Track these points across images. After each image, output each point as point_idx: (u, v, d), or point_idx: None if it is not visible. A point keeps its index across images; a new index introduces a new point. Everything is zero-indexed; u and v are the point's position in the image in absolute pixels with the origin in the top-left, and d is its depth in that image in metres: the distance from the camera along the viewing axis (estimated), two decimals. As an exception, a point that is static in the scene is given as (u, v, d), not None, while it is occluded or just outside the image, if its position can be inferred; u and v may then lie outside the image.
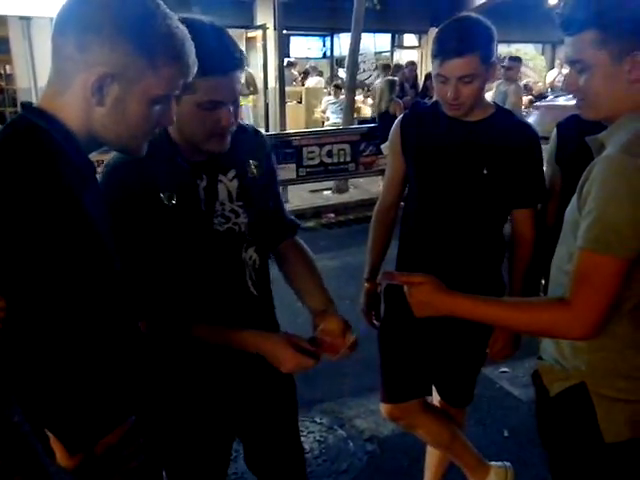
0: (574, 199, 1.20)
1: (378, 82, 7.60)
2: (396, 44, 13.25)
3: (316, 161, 6.70)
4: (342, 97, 8.30)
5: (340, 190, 7.33)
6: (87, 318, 0.93)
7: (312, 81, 11.25)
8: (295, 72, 12.10)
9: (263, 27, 10.06)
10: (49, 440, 0.95)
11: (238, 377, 1.44)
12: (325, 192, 7.34)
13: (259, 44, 10.60)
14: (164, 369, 1.34)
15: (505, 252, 1.91)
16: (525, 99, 8.41)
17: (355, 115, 8.45)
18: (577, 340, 1.21)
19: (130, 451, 1.02)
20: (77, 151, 0.94)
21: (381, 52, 13.10)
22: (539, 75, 13.28)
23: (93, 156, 1.01)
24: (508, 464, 2.08)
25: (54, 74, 0.95)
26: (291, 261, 1.54)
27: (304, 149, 6.61)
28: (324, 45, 12.73)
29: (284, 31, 10.11)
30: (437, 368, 1.97)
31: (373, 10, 9.77)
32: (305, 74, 11.70)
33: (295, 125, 9.77)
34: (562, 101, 7.54)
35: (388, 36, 12.93)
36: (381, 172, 6.54)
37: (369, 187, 7.20)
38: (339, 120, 8.15)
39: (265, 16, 10.45)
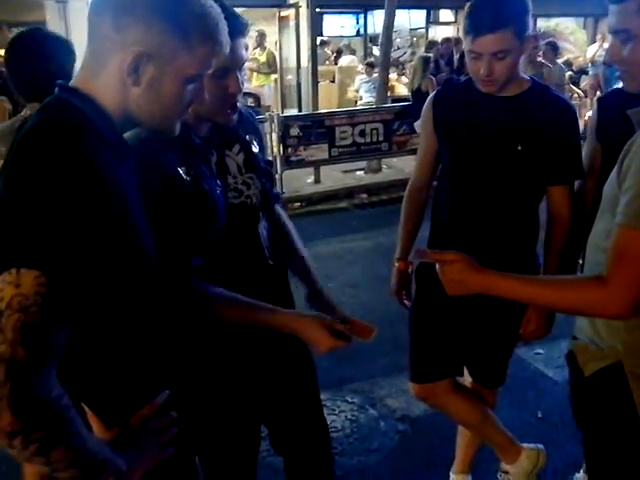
0: (613, 174, 1.17)
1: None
2: (431, 20, 12.96)
3: (349, 141, 6.66)
4: (375, 75, 8.20)
5: (373, 170, 7.27)
6: (122, 296, 0.95)
7: (345, 60, 11.13)
8: (328, 51, 11.98)
9: (296, 5, 9.98)
10: (86, 414, 0.98)
11: (260, 359, 1.47)
12: (358, 172, 7.29)
13: (292, 23, 10.52)
14: (194, 350, 1.37)
15: (539, 231, 1.87)
16: (566, 75, 8.24)
17: (389, 93, 8.34)
18: (614, 319, 1.18)
19: (164, 424, 1.05)
20: (112, 131, 0.95)
21: (416, 28, 12.84)
22: (580, 50, 12.84)
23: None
24: (541, 446, 2.07)
25: (90, 55, 0.96)
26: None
27: (337, 129, 6.58)
28: (357, 23, 12.54)
29: (317, 9, 10.04)
30: (468, 349, 1.96)
31: (408, -15, 9.57)
32: (338, 53, 11.57)
33: (328, 105, 9.70)
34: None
35: (423, 12, 12.65)
36: (415, 151, 6.41)
37: (403, 167, 7.12)
38: (372, 99, 8.06)
39: (298, -6, 10.35)
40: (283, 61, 11.14)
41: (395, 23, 7.62)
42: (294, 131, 6.44)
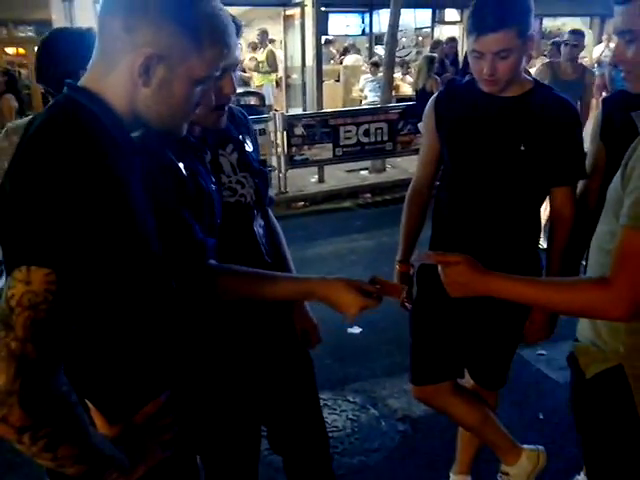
0: (617, 176, 1.17)
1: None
2: (437, 19, 12.95)
3: (353, 140, 6.66)
4: (380, 75, 8.19)
5: (377, 170, 7.26)
6: (129, 294, 0.95)
7: (350, 59, 11.12)
8: (333, 50, 11.98)
9: (301, 4, 9.99)
10: (89, 410, 0.99)
11: (259, 359, 1.48)
12: (362, 172, 7.29)
13: (297, 22, 10.53)
14: (196, 349, 1.37)
15: (540, 232, 1.87)
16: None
17: (394, 93, 8.33)
18: (616, 321, 1.18)
19: (166, 422, 1.06)
20: (120, 131, 0.96)
21: (421, 28, 12.83)
22: (586, 50, 12.81)
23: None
24: (541, 447, 2.06)
25: (99, 55, 0.96)
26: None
27: (341, 128, 6.58)
28: (363, 22, 12.53)
29: (322, 8, 10.03)
30: (469, 351, 1.96)
31: (413, -15, 9.55)
32: (344, 52, 11.57)
33: (332, 104, 9.71)
34: None
35: (429, 11, 12.63)
36: (419, 151, 6.44)
37: (407, 167, 7.10)
38: (377, 98, 8.05)
39: (303, -7, 10.35)
40: (288, 60, 11.15)
41: (400, 22, 7.60)
42: (298, 130, 6.44)
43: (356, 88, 10.00)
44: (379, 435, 2.65)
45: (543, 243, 2.13)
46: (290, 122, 6.43)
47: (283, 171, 6.48)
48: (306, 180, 6.90)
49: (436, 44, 8.51)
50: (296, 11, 10.53)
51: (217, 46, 0.97)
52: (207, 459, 1.52)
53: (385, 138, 6.78)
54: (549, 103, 1.71)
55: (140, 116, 0.98)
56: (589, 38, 13.82)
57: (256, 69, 9.74)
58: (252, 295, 1.28)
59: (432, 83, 6.76)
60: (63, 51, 1.77)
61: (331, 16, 11.54)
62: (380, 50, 11.06)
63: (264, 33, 9.83)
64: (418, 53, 10.45)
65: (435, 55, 7.40)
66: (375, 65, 9.08)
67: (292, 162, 6.50)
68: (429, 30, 12.79)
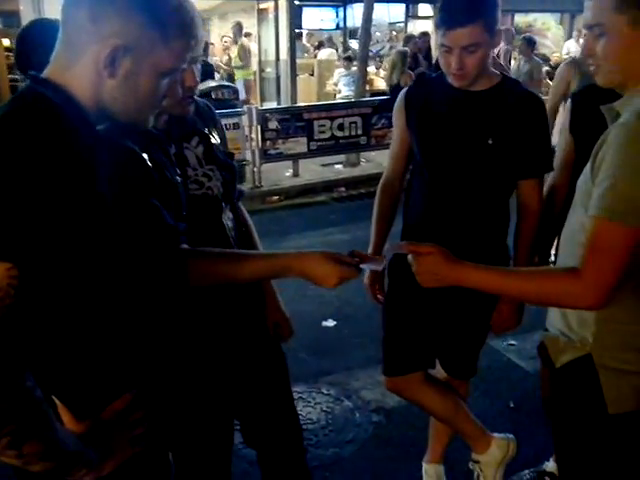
0: (587, 168, 1.18)
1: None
2: (410, 14, 12.99)
3: (327, 135, 6.66)
4: (354, 69, 8.20)
5: (351, 164, 7.28)
6: (94, 288, 0.94)
7: (324, 53, 11.10)
8: (307, 44, 11.93)
9: (275, -2, 9.92)
10: (56, 407, 0.97)
11: (231, 353, 1.48)
12: (336, 166, 7.30)
13: (271, 15, 10.46)
14: (166, 343, 1.36)
15: (509, 223, 1.89)
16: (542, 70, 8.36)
17: (368, 87, 8.34)
18: (586, 310, 1.20)
19: (136, 418, 1.05)
20: (85, 122, 0.94)
21: (395, 23, 12.86)
22: (557, 45, 12.99)
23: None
24: (511, 436, 2.10)
25: (63, 45, 0.94)
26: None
27: (315, 122, 6.57)
28: (337, 16, 12.51)
29: (296, 1, 9.98)
30: (440, 341, 1.98)
31: (387, -21, 9.57)
32: (318, 46, 11.54)
33: (307, 98, 9.68)
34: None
35: (402, 6, 12.67)
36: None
37: (381, 160, 7.12)
38: (351, 93, 8.06)
39: (277, -14, 10.27)
40: (262, 54, 11.07)
41: (374, 17, 7.62)
42: (272, 124, 6.41)
43: (330, 82, 9.99)
44: (353, 426, 2.67)
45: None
46: (264, 116, 6.40)
47: (257, 165, 6.45)
48: (281, 174, 6.88)
49: (408, 39, 8.52)
50: (270, 4, 10.45)
51: (184, 38, 0.97)
52: (179, 454, 1.51)
53: (359, 132, 6.80)
54: (516, 97, 1.74)
55: (106, 108, 0.97)
56: (559, 34, 14.05)
57: (227, 64, 9.66)
58: (227, 276, 1.24)
59: (406, 78, 6.79)
60: (44, 40, 1.74)
61: (305, 10, 11.49)
62: (355, 44, 11.07)
63: (238, 26, 9.75)
64: (391, 48, 10.47)
65: (407, 50, 7.43)
66: (348, 59, 9.08)
67: (266, 156, 6.47)
68: (403, 25, 12.82)
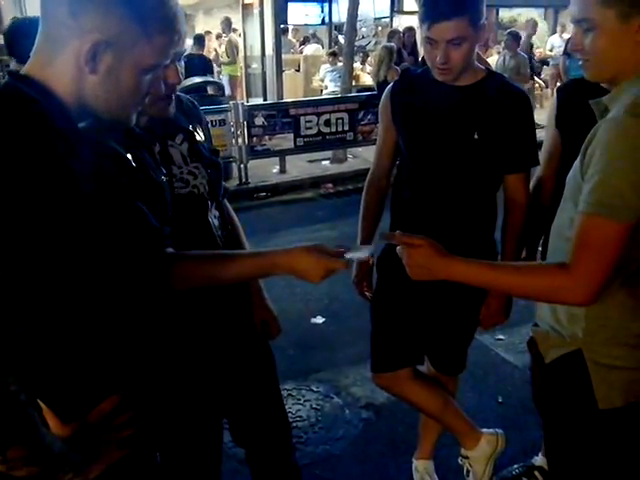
0: (577, 163, 1.18)
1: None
2: (396, 9, 12.99)
3: (314, 130, 6.64)
4: (340, 65, 8.18)
5: (338, 160, 7.27)
6: (79, 291, 0.92)
7: (310, 48, 11.07)
8: (293, 39, 11.89)
9: (260, -8, 9.86)
10: (42, 411, 0.95)
11: (219, 353, 1.47)
12: (323, 162, 7.29)
13: (256, 10, 10.40)
14: (153, 344, 1.34)
15: (497, 218, 1.90)
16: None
17: (354, 83, 8.33)
18: (576, 305, 1.20)
19: (122, 421, 1.03)
20: (66, 120, 0.92)
21: (381, 18, 12.86)
22: (541, 40, 13.07)
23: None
24: (500, 431, 2.11)
25: (43, 41, 0.92)
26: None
27: (302, 118, 6.55)
28: (322, 11, 12.47)
29: (281, -4, 9.90)
30: (428, 337, 1.98)
31: (372, -26, 9.55)
32: (304, 41, 11.50)
33: (293, 94, 9.65)
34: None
35: (387, 1, 12.67)
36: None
37: (368, 156, 7.11)
38: (337, 88, 8.05)
39: (262, -19, 10.21)
40: (247, 49, 11.01)
41: (359, 12, 7.60)
42: (259, 120, 6.39)
43: (316, 78, 9.97)
44: (343, 423, 2.67)
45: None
46: (250, 112, 6.36)
47: (244, 162, 6.42)
48: (268, 171, 6.86)
49: (392, 34, 8.52)
50: (255, -1, 10.41)
51: (167, 33, 0.95)
52: (169, 454, 1.50)
53: (346, 128, 6.79)
54: (501, 91, 1.74)
55: (87, 105, 0.95)
56: (543, 29, 14.12)
57: (215, 60, 9.59)
58: (213, 278, 1.23)
59: (393, 74, 6.80)
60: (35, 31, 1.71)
61: (290, 5, 11.43)
62: (341, 39, 11.05)
63: (227, 21, 9.68)
64: (377, 43, 10.46)
65: (394, 45, 7.43)
66: (333, 55, 9.06)
67: (253, 152, 6.45)
68: (388, 20, 12.82)
